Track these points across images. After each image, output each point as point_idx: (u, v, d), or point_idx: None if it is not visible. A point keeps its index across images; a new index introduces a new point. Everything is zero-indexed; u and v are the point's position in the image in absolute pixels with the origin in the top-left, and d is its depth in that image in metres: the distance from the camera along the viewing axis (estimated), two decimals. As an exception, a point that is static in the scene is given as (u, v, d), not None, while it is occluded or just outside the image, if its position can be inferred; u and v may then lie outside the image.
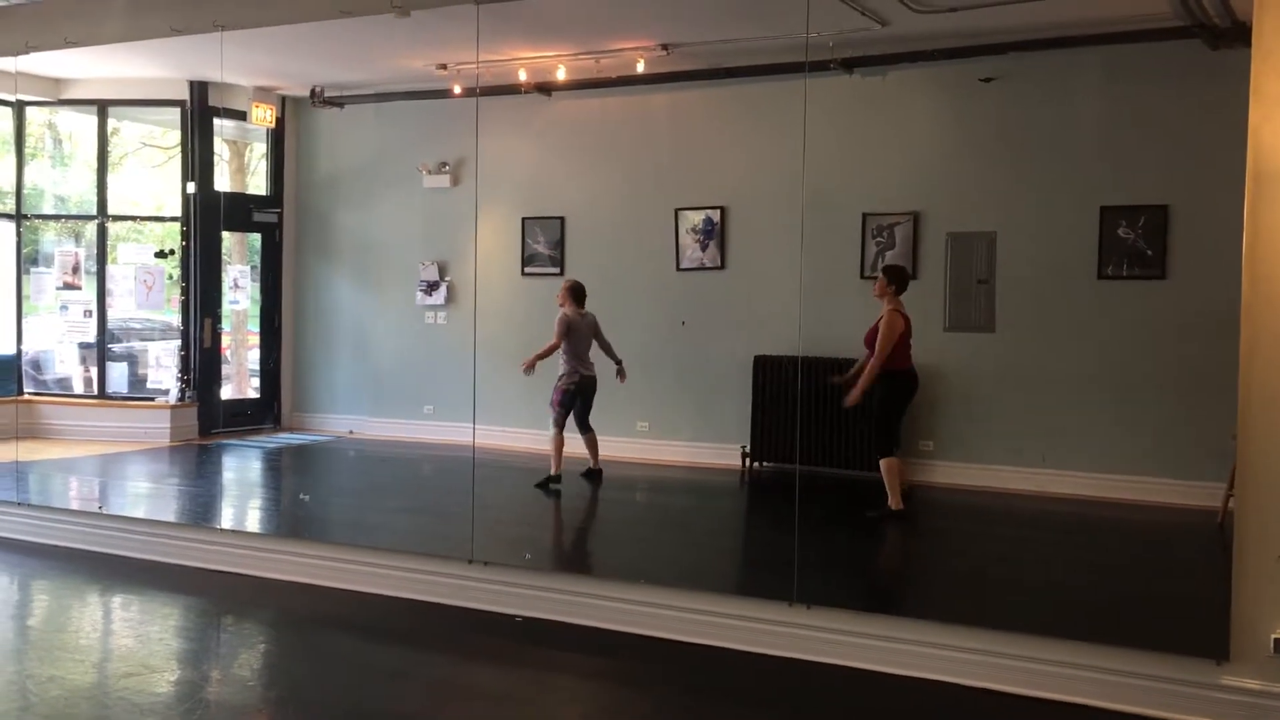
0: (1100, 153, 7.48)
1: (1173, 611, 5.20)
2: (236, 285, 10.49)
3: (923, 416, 7.80)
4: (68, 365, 10.46)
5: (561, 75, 8.83)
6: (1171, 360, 7.24)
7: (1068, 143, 7.58)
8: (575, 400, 8.02)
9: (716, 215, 8.82)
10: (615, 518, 7.94)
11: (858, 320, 7.72)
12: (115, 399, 10.23)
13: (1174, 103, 7.17)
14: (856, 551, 6.63)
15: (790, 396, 7.99)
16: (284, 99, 10.49)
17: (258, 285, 10.72)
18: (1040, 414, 7.67)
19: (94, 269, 10.28)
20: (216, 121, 10.19)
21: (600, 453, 8.10)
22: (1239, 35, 5.85)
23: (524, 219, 9.63)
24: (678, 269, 8.93)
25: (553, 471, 7.97)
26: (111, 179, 10.47)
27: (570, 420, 8.04)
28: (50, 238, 10.62)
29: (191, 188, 10.09)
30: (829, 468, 8.06)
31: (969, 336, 7.83)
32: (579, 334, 8.05)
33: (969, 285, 7.82)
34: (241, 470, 9.75)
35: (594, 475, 8.11)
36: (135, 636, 5.43)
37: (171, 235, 10.32)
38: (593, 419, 8.09)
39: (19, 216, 9.79)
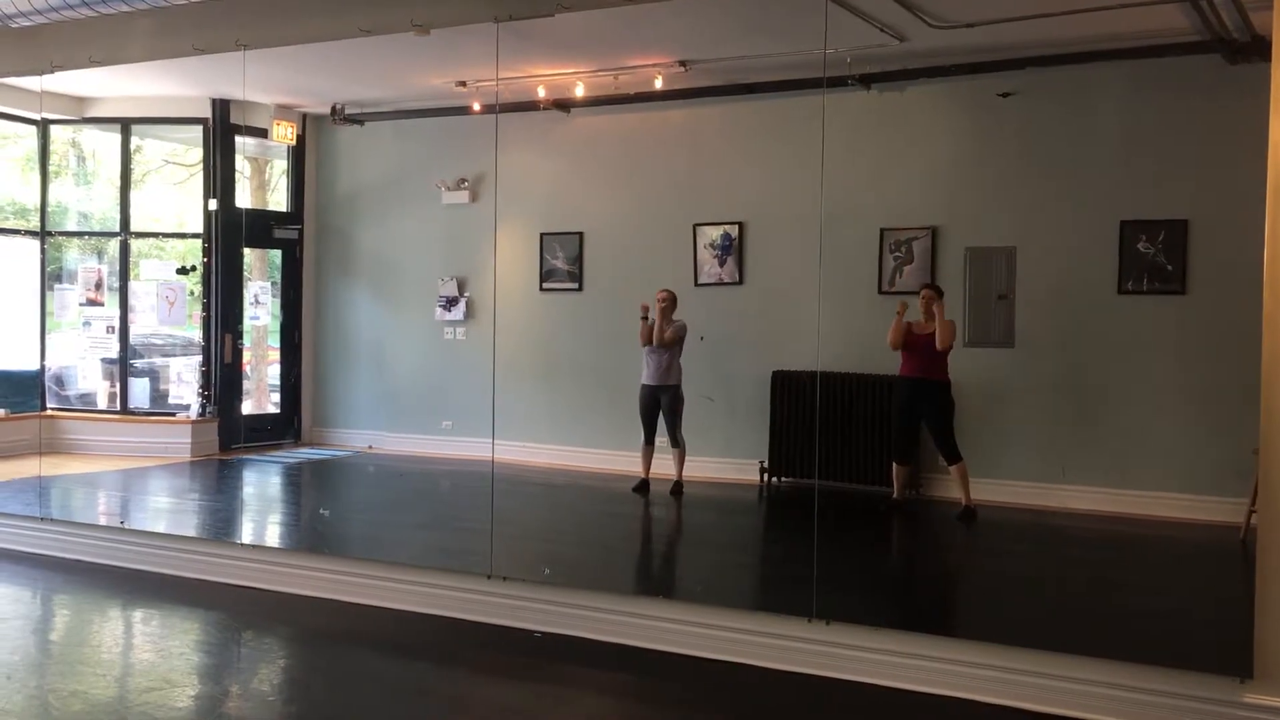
0: (1119, 167, 7.45)
1: (1195, 628, 5.16)
2: (257, 301, 10.54)
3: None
4: (90, 381, 10.53)
5: (580, 92, 8.86)
6: (1192, 375, 7.20)
7: (1087, 157, 7.56)
8: None
9: (734, 231, 8.82)
10: (634, 533, 7.93)
11: (876, 335, 7.72)
12: (137, 414, 10.30)
13: (1193, 117, 7.15)
14: (875, 567, 6.61)
15: (809, 412, 7.98)
16: (305, 116, 10.56)
17: (278, 301, 10.77)
18: (1060, 429, 7.64)
19: (116, 285, 10.36)
20: (238, 139, 10.27)
21: (618, 468, 8.12)
22: (1258, 49, 5.84)
23: (542, 235, 9.65)
24: (696, 284, 8.93)
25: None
26: (134, 196, 10.55)
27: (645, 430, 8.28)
28: (73, 254, 10.72)
29: (213, 204, 10.16)
30: (847, 483, 8.04)
31: (989, 352, 7.80)
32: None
33: (988, 300, 7.80)
34: (262, 485, 9.78)
35: (679, 490, 8.20)
36: (156, 651, 5.46)
37: (193, 252, 10.39)
38: (611, 435, 8.12)
39: (43, 233, 9.86)
